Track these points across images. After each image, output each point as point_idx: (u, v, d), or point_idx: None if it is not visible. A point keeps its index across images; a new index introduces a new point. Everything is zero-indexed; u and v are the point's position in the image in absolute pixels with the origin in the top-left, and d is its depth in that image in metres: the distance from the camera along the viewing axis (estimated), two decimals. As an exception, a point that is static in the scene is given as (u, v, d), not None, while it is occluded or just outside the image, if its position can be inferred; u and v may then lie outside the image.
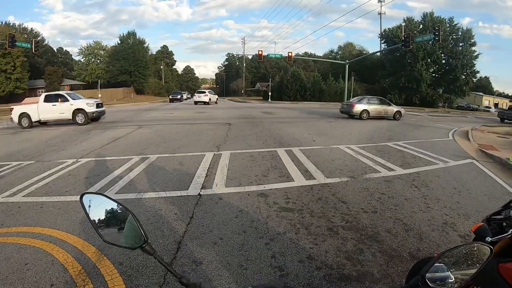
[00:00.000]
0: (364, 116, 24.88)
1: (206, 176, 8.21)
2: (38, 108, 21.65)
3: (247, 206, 6.19)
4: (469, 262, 1.25)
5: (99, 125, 20.38)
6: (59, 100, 21.97)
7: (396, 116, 26.20)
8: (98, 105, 22.88)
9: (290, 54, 49.93)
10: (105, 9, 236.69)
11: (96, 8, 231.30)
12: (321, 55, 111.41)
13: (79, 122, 21.62)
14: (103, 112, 23.37)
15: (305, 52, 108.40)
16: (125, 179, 8.09)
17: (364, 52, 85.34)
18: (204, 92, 50.75)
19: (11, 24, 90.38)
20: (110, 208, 1.67)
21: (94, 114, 22.36)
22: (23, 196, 7.26)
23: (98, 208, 1.68)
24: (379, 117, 25.68)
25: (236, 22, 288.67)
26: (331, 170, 8.73)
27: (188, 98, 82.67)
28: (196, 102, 47.75)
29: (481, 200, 6.82)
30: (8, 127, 22.00)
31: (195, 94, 52.68)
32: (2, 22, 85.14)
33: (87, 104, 22.27)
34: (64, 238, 5.07)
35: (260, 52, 49.34)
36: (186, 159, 10.20)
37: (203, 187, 7.33)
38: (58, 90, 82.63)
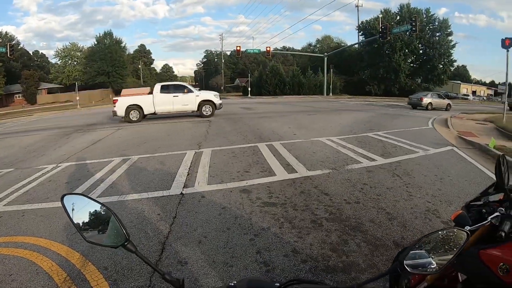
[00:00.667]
0: (429, 107, 28.96)
1: (187, 175, 8.16)
2: (154, 99, 21.26)
3: (230, 202, 6.16)
4: (446, 247, 1.24)
5: (79, 128, 20.14)
6: (185, 91, 21.92)
7: (448, 108, 30.13)
8: (219, 97, 23.13)
9: (268, 49, 50.10)
10: (80, 10, 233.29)
11: (71, 9, 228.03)
12: (299, 48, 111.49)
13: (205, 114, 21.78)
14: (222, 105, 23.17)
15: (283, 46, 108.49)
16: (106, 182, 7.99)
17: (342, 45, 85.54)
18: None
19: None
20: (91, 208, 1.67)
21: (220, 106, 22.65)
22: (3, 205, 7.11)
23: (79, 208, 1.68)
24: (438, 108, 29.58)
25: (213, 18, 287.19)
26: (312, 163, 8.73)
27: None
28: None
29: (462, 186, 6.88)
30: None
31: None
32: None
33: (215, 96, 22.67)
34: (48, 245, 4.98)
35: (238, 48, 49.43)
36: (167, 158, 10.13)
37: (185, 186, 7.28)
38: (36, 95, 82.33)
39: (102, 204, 1.63)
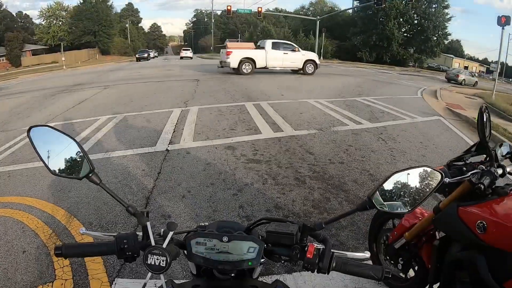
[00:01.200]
0: (463, 83, 29.76)
1: (173, 132, 8.16)
2: (266, 54, 22.34)
3: (214, 159, 6.17)
4: (419, 186, 1.18)
5: (65, 88, 19.86)
6: (295, 49, 23.48)
7: (475, 84, 31.74)
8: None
9: (259, 9, 49.28)
10: None
11: None
12: (292, 11, 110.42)
13: (308, 71, 23.44)
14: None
15: (276, 8, 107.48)
16: (92, 140, 7.93)
17: (336, 9, 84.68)
18: (189, 50, 64.71)
19: None
20: (57, 139, 1.61)
21: (319, 66, 24.68)
22: None
23: (45, 140, 1.62)
24: (468, 84, 30.74)
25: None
26: (299, 123, 8.73)
27: (155, 56, 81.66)
28: (181, 57, 58.78)
29: (446, 155, 6.90)
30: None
31: (182, 50, 66.62)
32: None
33: (316, 56, 24.99)
34: (34, 204, 4.99)
35: (229, 8, 48.55)
36: (153, 116, 10.06)
37: (170, 143, 7.29)
38: (20, 57, 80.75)
39: (68, 135, 1.56)
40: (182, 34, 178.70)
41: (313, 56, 24.75)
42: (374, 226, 3.08)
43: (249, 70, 22.00)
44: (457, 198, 2.07)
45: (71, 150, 1.59)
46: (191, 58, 59.94)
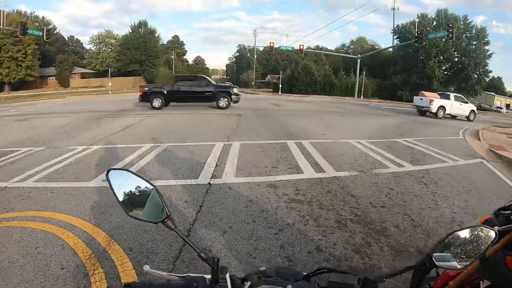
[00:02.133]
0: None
1: (216, 166, 8.26)
2: (451, 104, 27.03)
3: (256, 196, 6.22)
4: (473, 245, 1.26)
5: (110, 113, 20.44)
6: (465, 102, 28.60)
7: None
8: None
9: (301, 47, 49.93)
10: None
11: None
12: (333, 49, 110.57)
13: (470, 119, 27.60)
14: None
15: (317, 46, 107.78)
16: (135, 167, 8.18)
17: (377, 47, 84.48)
18: (230, 83, 66.57)
19: (23, 12, 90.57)
20: (134, 183, 1.71)
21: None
22: (33, 182, 7.39)
23: (123, 183, 1.72)
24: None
25: (247, 13, 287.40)
26: (340, 164, 8.73)
27: None
28: None
29: (489, 200, 6.80)
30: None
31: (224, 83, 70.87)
32: (14, 11, 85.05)
33: (474, 107, 29.33)
34: (74, 223, 5.15)
35: (271, 44, 49.40)
36: (196, 148, 10.27)
37: (213, 177, 7.38)
38: (69, 78, 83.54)
39: (146, 180, 1.67)
40: (225, 68, 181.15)
41: (473, 107, 28.75)
42: (416, 274, 3.09)
43: (442, 115, 26.19)
44: (504, 246, 2.02)
45: (148, 194, 1.68)
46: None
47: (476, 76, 62.63)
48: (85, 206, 5.82)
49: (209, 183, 6.96)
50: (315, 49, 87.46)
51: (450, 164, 9.74)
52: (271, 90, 74.47)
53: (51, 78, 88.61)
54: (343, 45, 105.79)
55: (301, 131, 13.73)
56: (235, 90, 24.25)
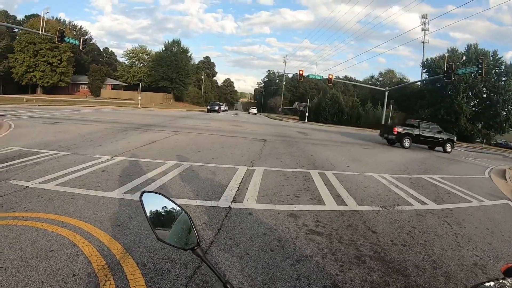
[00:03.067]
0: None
1: (238, 190, 8.27)
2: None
3: (276, 224, 6.19)
4: None
5: (137, 126, 20.76)
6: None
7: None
8: None
9: (330, 76, 50.02)
10: (153, 16, 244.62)
11: (143, 14, 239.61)
12: (361, 80, 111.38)
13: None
14: None
15: (345, 76, 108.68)
16: (157, 182, 8.29)
17: (405, 80, 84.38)
18: (255, 108, 79.96)
19: (62, 20, 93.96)
20: (167, 207, 1.76)
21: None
22: (55, 185, 7.60)
23: (155, 206, 1.77)
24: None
25: (278, 40, 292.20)
26: (363, 198, 8.66)
27: (225, 110, 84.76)
28: (249, 113, 71.56)
29: (513, 243, 6.68)
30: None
31: (250, 108, 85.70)
32: (53, 17, 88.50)
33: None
34: (91, 231, 5.23)
35: (301, 72, 49.54)
36: (219, 170, 10.33)
37: (234, 200, 7.40)
38: (100, 88, 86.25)
39: (179, 206, 1.73)
40: (253, 92, 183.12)
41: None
42: None
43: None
44: None
45: (180, 220, 1.72)
46: (255, 114, 78.98)
47: (504, 113, 61.66)
48: (104, 216, 5.91)
49: (229, 206, 6.97)
50: (343, 79, 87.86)
51: (475, 204, 9.61)
52: (298, 117, 74.72)
53: (83, 86, 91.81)
54: (372, 77, 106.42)
55: (325, 162, 13.70)
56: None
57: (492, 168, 18.89)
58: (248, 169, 10.74)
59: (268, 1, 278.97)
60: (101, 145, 13.37)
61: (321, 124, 55.23)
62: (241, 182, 9.08)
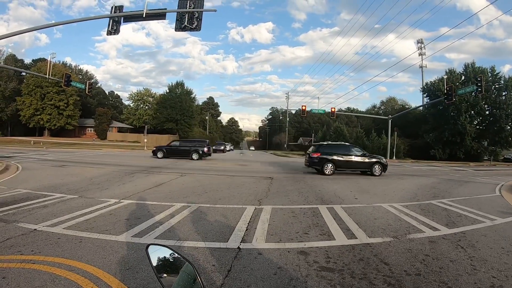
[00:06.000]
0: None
1: (246, 230, 8.21)
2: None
3: (286, 263, 6.10)
4: None
5: (144, 169, 20.83)
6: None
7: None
8: None
9: (333, 109, 50.58)
10: (155, 59, 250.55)
11: (147, 57, 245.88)
12: (363, 110, 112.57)
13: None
14: None
15: (348, 107, 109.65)
16: (165, 225, 8.28)
17: (407, 107, 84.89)
18: (253, 147, 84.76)
19: (68, 65, 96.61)
20: (171, 258, 1.81)
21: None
22: (63, 228, 7.70)
23: (161, 258, 1.83)
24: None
25: (279, 77, 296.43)
26: (373, 230, 8.55)
27: (231, 149, 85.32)
28: (250, 149, 72.38)
29: (530, 261, 6.54)
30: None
31: (249, 148, 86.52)
32: (59, 62, 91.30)
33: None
34: (100, 275, 5.19)
35: (303, 107, 50.15)
36: (227, 211, 10.31)
37: (243, 241, 7.34)
38: (107, 131, 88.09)
39: (183, 257, 1.76)
40: (258, 130, 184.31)
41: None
42: None
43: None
44: None
45: (185, 270, 1.74)
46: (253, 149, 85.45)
47: (508, 127, 61.99)
48: (112, 260, 5.88)
49: (238, 247, 6.90)
50: (346, 111, 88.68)
51: (488, 224, 9.50)
52: (303, 152, 74.87)
53: (89, 128, 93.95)
54: (374, 106, 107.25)
55: (332, 196, 13.62)
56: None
57: (502, 185, 18.84)
58: (256, 208, 10.69)
59: (267, 40, 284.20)
60: (108, 188, 13.47)
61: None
62: (249, 221, 9.03)
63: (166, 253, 1.85)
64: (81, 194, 12.05)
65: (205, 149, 38.22)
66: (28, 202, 10.49)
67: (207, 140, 44.56)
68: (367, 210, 11.07)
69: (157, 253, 1.86)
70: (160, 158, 36.12)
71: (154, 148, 39.03)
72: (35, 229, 7.59)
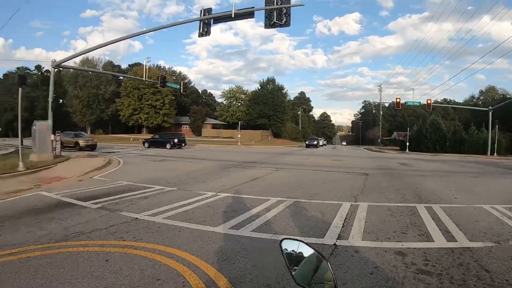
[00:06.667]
0: None
1: (342, 227, 8.24)
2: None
3: (383, 263, 6.07)
4: None
5: (239, 163, 21.34)
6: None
7: None
8: None
9: (428, 101, 48.77)
10: (245, 57, 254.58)
11: (236, 56, 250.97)
12: (460, 101, 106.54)
13: None
14: None
15: (444, 99, 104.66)
16: (261, 219, 8.57)
17: (508, 96, 78.76)
18: (345, 142, 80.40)
19: (162, 67, 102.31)
20: (305, 253, 1.89)
21: None
22: (163, 218, 8.32)
23: (295, 252, 1.93)
24: None
25: (370, 69, 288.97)
26: (474, 233, 8.19)
27: (324, 144, 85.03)
28: (343, 144, 73.38)
29: None
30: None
31: (342, 143, 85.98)
32: (154, 65, 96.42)
33: None
34: (197, 263, 5.51)
35: (398, 100, 48.78)
36: (322, 206, 10.38)
37: (339, 237, 7.39)
38: (201, 128, 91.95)
39: (319, 253, 1.86)
40: (350, 124, 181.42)
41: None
42: None
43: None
44: None
45: (318, 267, 1.84)
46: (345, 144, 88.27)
47: None
48: (210, 250, 6.21)
49: (334, 244, 6.96)
50: (442, 103, 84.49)
51: None
52: (398, 148, 72.37)
53: (185, 125, 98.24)
54: (472, 97, 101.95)
55: (430, 194, 13.20)
56: None
57: None
58: (352, 205, 10.70)
59: (355, 31, 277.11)
60: (205, 181, 14.08)
61: (422, 154, 53.02)
62: (345, 218, 9.05)
63: (301, 247, 1.93)
64: (180, 186, 12.74)
65: (176, 140, 47.95)
66: (129, 193, 11.35)
67: (183, 134, 59.13)
68: (467, 211, 10.65)
69: (290, 247, 1.96)
70: (147, 148, 46.87)
71: (144, 141, 51.22)
72: (137, 218, 8.26)
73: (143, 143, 49.81)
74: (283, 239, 2.01)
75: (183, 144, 49.80)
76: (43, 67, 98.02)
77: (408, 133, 63.04)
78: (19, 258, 5.89)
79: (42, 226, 7.99)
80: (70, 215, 8.99)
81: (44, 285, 4.87)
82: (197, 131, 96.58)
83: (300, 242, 1.96)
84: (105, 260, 5.71)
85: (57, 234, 7.35)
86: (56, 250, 6.33)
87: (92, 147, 39.48)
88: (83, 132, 52.59)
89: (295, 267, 1.89)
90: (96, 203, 10.39)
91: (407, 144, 61.19)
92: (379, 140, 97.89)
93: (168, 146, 46.49)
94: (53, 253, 6.17)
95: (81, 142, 38.88)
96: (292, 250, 1.95)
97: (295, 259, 1.91)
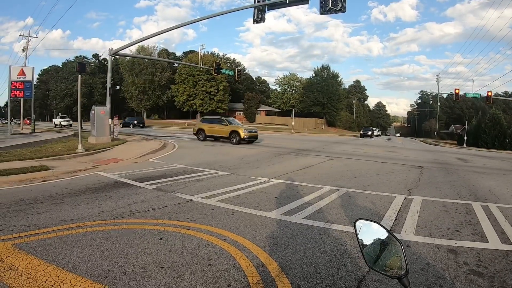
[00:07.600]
0: None
1: (395, 220, 8.23)
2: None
3: (435, 260, 6.02)
4: None
5: (293, 151, 21.42)
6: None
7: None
8: None
9: (489, 93, 46.81)
10: (299, 44, 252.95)
11: (290, 43, 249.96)
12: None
13: None
14: None
15: (505, 92, 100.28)
16: (314, 207, 8.67)
17: None
18: (399, 134, 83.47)
19: (216, 54, 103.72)
20: (379, 235, 1.93)
21: None
22: (216, 201, 8.60)
23: (368, 233, 1.98)
24: None
25: (428, 57, 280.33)
26: (531, 236, 7.92)
27: (378, 135, 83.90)
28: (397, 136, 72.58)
29: None
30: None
31: (396, 134, 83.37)
32: (208, 52, 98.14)
33: None
34: (249, 247, 5.68)
35: (456, 91, 47.25)
36: (375, 198, 10.39)
37: (391, 230, 7.32)
38: (255, 114, 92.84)
39: (394, 236, 1.89)
40: (406, 115, 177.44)
41: None
42: None
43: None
44: None
45: (391, 249, 1.88)
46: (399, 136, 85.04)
47: None
48: (262, 234, 6.38)
49: (387, 236, 6.95)
50: (503, 96, 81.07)
51: None
52: (455, 142, 69.96)
53: (239, 112, 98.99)
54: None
55: (487, 192, 12.81)
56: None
57: None
58: (405, 198, 10.60)
59: (411, 17, 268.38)
60: (259, 167, 14.28)
61: (481, 149, 50.78)
62: (398, 211, 9.00)
63: (376, 229, 1.97)
64: (233, 171, 13.00)
65: (135, 122, 65.05)
66: (184, 176, 11.71)
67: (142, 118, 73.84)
68: (526, 212, 10.25)
69: (365, 228, 2.01)
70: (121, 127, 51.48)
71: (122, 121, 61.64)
72: (191, 200, 8.56)
73: (122, 125, 55.56)
74: (357, 219, 2.04)
75: None
76: (100, 55, 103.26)
77: (466, 126, 60.70)
78: (76, 233, 6.31)
79: (99, 203, 8.49)
80: (126, 195, 9.48)
81: (100, 258, 5.20)
82: (250, 117, 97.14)
83: (375, 223, 2.00)
84: (159, 238, 6.02)
85: (113, 212, 7.79)
86: (112, 226, 6.72)
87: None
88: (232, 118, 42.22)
89: (367, 248, 1.94)
90: (151, 184, 10.87)
91: (465, 138, 58.87)
92: (435, 132, 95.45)
93: (131, 125, 53.70)
94: (109, 229, 6.56)
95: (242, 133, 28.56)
96: (366, 231, 2.00)
97: (368, 239, 1.95)
